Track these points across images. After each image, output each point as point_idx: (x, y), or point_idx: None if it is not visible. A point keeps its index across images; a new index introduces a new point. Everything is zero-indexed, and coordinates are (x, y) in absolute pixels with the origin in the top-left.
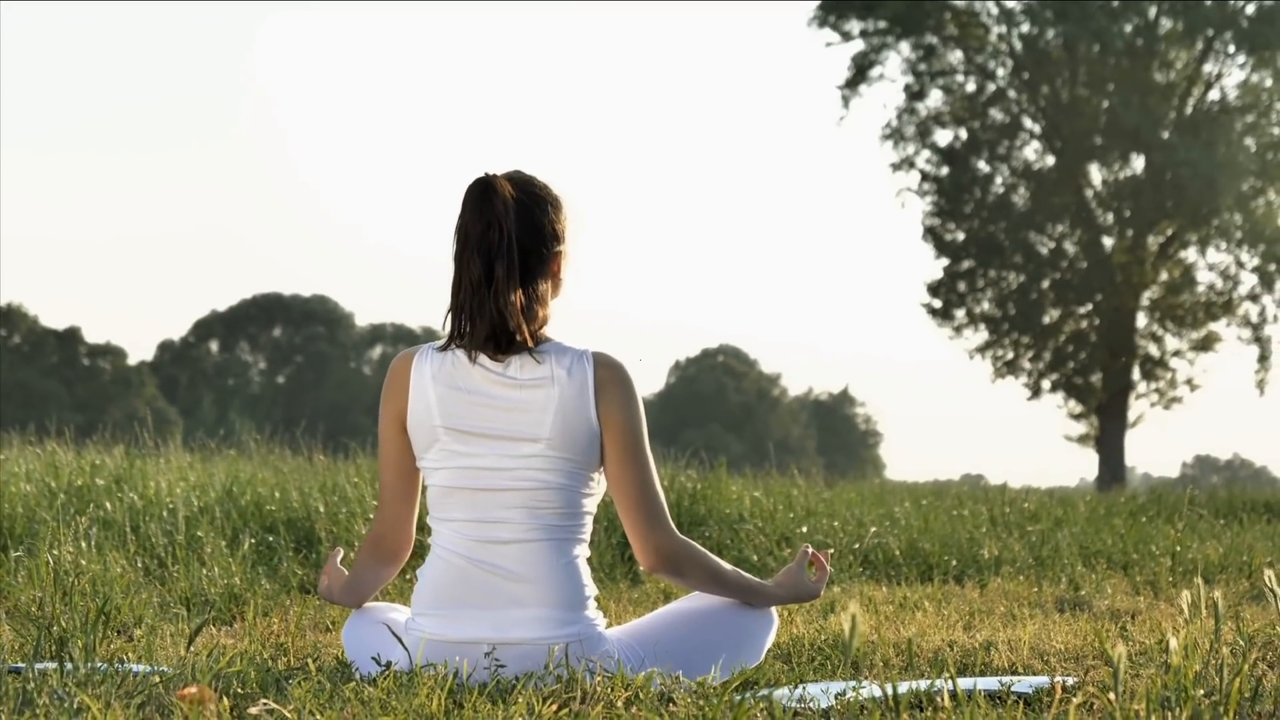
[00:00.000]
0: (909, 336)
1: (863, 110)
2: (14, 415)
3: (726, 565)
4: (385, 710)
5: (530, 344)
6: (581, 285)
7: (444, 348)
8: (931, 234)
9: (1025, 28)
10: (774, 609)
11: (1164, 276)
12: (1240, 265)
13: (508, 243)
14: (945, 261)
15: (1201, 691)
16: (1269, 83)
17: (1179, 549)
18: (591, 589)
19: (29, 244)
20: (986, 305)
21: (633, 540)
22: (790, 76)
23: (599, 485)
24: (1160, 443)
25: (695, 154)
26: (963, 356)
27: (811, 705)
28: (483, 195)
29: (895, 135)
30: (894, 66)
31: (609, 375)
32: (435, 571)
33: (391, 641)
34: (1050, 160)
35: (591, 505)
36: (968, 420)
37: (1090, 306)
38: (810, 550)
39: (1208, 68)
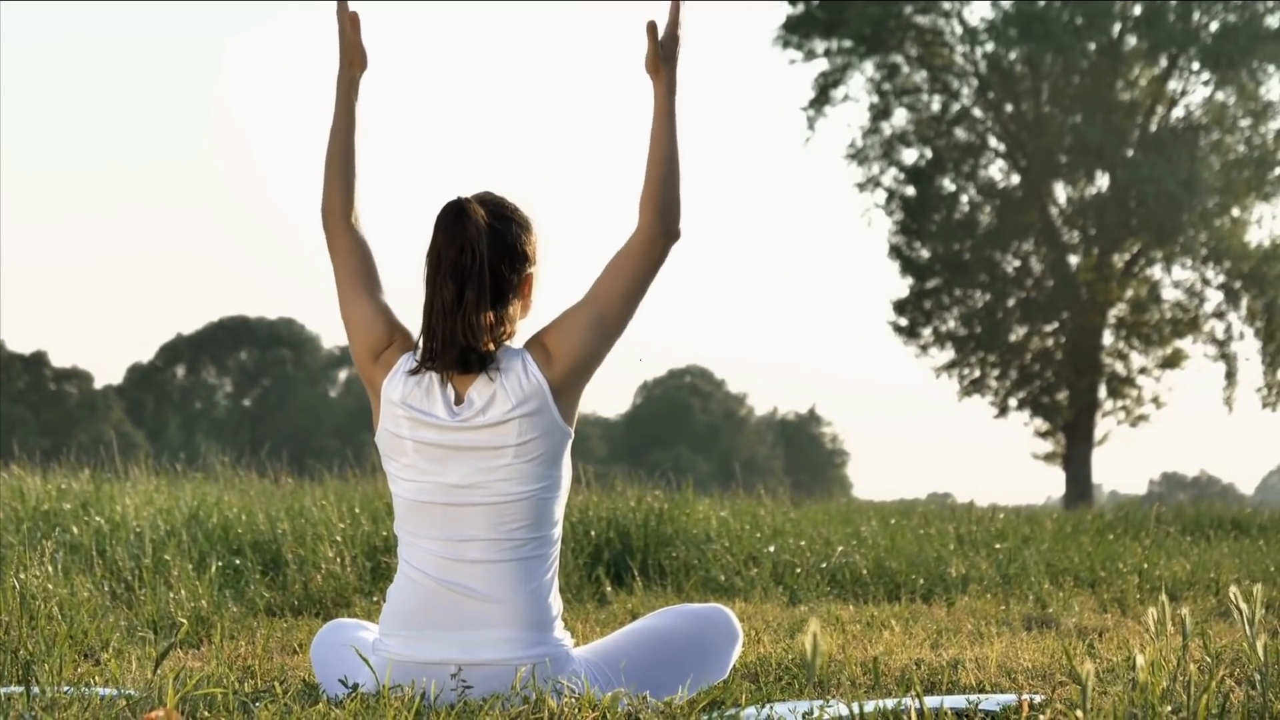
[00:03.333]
0: (875, 356)
1: (828, 130)
2: None
3: (652, 144)
4: None
5: (495, 350)
6: (550, 304)
7: (415, 371)
8: (897, 253)
9: (989, 46)
10: (736, 622)
11: (1129, 294)
12: (1206, 282)
13: (480, 266)
14: (911, 280)
15: (1169, 708)
16: (1233, 100)
17: (1146, 566)
18: (559, 609)
19: None
20: (952, 324)
21: (654, 229)
22: (755, 96)
23: (566, 479)
24: (1127, 460)
25: None
26: (929, 375)
27: None
28: (456, 219)
29: (860, 155)
30: (858, 86)
31: (539, 345)
32: (404, 593)
33: (359, 662)
34: (1015, 179)
35: (559, 513)
36: (934, 439)
37: (1056, 324)
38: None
39: (1171, 85)
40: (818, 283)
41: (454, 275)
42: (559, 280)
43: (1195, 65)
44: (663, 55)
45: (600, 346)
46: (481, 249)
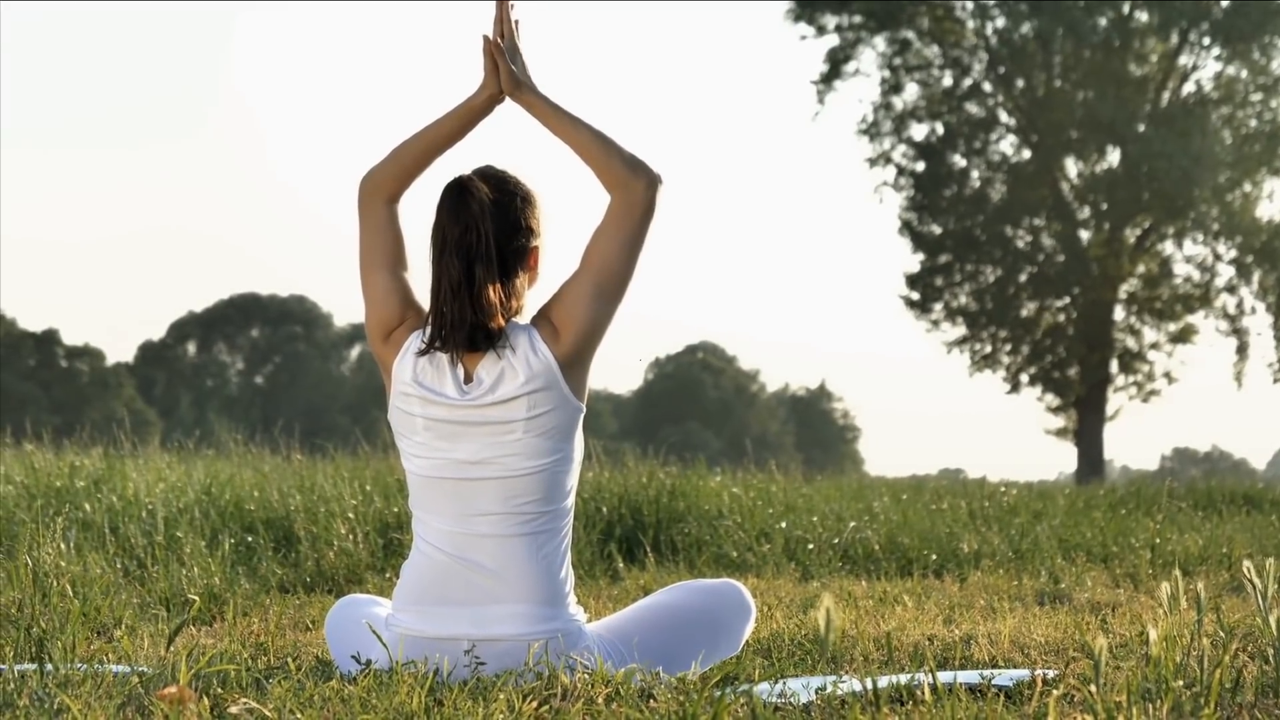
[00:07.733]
0: (887, 331)
1: (838, 105)
2: None
3: (568, 140)
4: (365, 709)
5: (504, 327)
6: (559, 273)
7: (425, 351)
8: (908, 228)
9: (1000, 21)
10: (749, 597)
11: (1141, 269)
12: (1217, 257)
13: (486, 244)
14: (922, 256)
15: (1182, 683)
16: (1244, 74)
17: (1158, 541)
18: (571, 584)
19: (4, 245)
20: (964, 299)
21: (635, 188)
22: (766, 71)
23: (578, 453)
24: (1139, 435)
25: (672, 151)
26: (940, 351)
27: (792, 700)
28: (459, 198)
29: (871, 130)
30: (869, 61)
31: (545, 321)
32: (417, 568)
33: (372, 638)
34: (1026, 154)
35: (572, 482)
36: (946, 415)
37: (1068, 300)
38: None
39: (1182, 60)
40: (829, 258)
41: (460, 254)
42: (567, 249)
43: (1206, 40)
44: (519, 75)
45: (605, 314)
46: (486, 226)
